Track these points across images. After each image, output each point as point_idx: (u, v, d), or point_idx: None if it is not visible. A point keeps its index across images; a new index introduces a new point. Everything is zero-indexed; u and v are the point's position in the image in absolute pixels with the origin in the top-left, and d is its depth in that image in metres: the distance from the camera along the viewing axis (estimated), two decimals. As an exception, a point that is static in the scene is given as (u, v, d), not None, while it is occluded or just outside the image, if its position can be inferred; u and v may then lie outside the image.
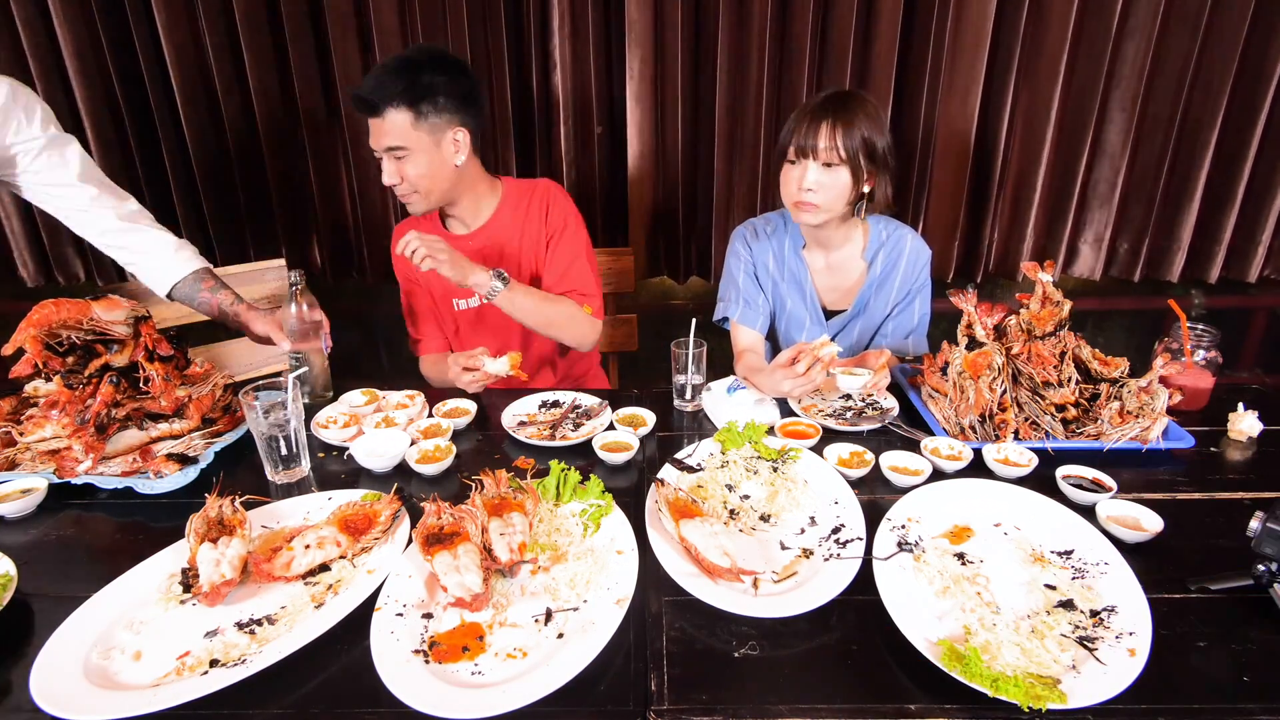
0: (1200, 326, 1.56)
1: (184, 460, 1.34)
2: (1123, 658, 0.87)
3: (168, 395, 1.38)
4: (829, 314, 1.86)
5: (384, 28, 2.14)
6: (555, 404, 1.61)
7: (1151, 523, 1.11)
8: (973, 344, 1.46)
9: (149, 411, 1.38)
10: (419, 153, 1.64)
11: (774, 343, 1.95)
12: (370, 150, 1.67)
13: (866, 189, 1.64)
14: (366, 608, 0.97)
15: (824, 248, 1.81)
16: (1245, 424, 1.43)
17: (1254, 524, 0.98)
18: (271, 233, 2.41)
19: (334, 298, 2.37)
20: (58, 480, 1.28)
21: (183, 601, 1.00)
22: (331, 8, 2.11)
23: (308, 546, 1.06)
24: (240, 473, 1.37)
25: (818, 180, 1.59)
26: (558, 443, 1.42)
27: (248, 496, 1.16)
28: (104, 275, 2.40)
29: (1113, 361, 1.44)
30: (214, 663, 0.89)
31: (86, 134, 2.18)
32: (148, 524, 1.21)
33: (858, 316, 1.85)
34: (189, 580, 1.01)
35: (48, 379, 1.35)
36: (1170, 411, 1.39)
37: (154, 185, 2.30)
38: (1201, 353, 1.56)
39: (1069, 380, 1.40)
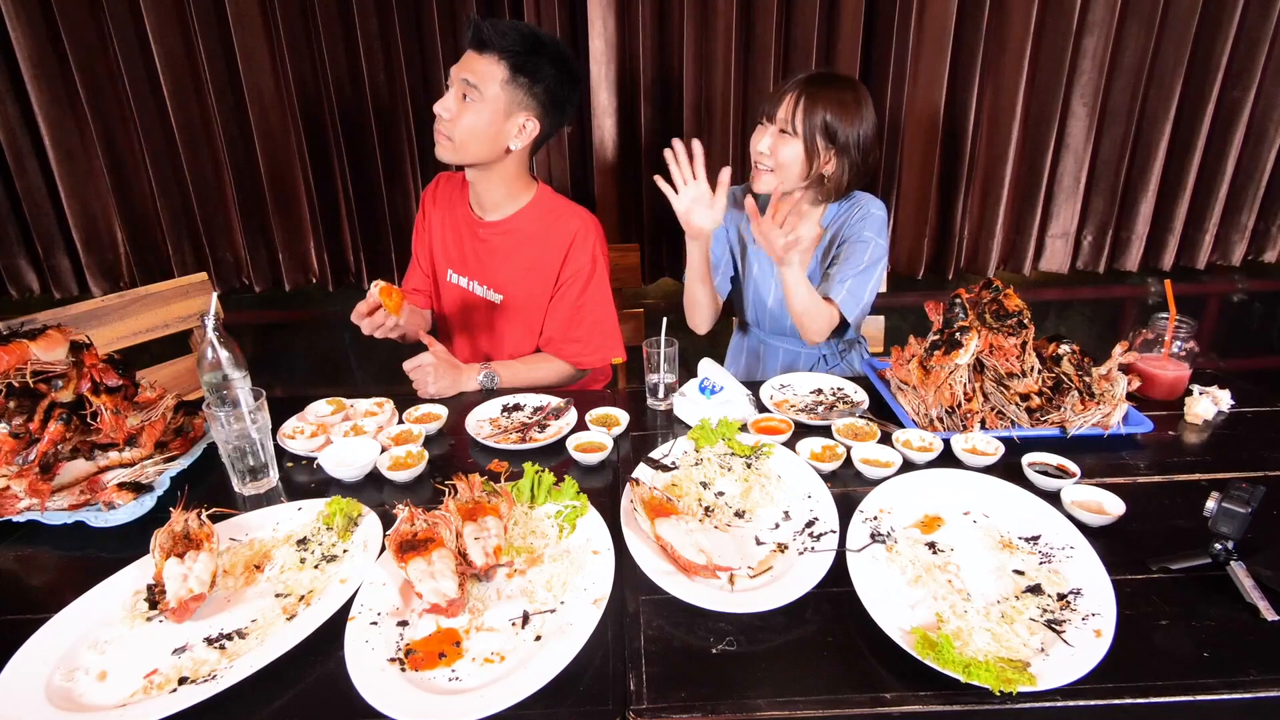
0: (1180, 318, 1.57)
1: (138, 489, 1.25)
2: (1089, 639, 0.89)
3: (119, 430, 1.29)
4: None
5: (368, 30, 2.13)
6: (517, 407, 1.60)
7: (1114, 506, 1.14)
8: (936, 345, 1.47)
9: (96, 443, 1.30)
10: (487, 108, 1.62)
11: (740, 304, 2.01)
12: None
13: (826, 171, 1.69)
14: (340, 617, 0.95)
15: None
16: (1200, 407, 1.47)
17: (1210, 504, 1.02)
18: (268, 240, 2.37)
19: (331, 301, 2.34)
20: None
21: (149, 618, 0.98)
22: (323, 10, 2.09)
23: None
24: (199, 496, 1.29)
25: (771, 146, 1.67)
26: (522, 446, 1.41)
27: (214, 509, 1.13)
28: (60, 287, 2.34)
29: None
30: (183, 680, 0.87)
31: (44, 141, 2.13)
32: (100, 555, 1.14)
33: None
34: (155, 596, 0.99)
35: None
36: (1143, 399, 1.41)
37: (134, 191, 2.26)
38: (1179, 343, 1.58)
39: (1031, 370, 1.43)
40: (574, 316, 1.82)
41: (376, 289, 1.55)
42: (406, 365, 1.63)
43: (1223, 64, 2.16)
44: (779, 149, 1.66)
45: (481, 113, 1.62)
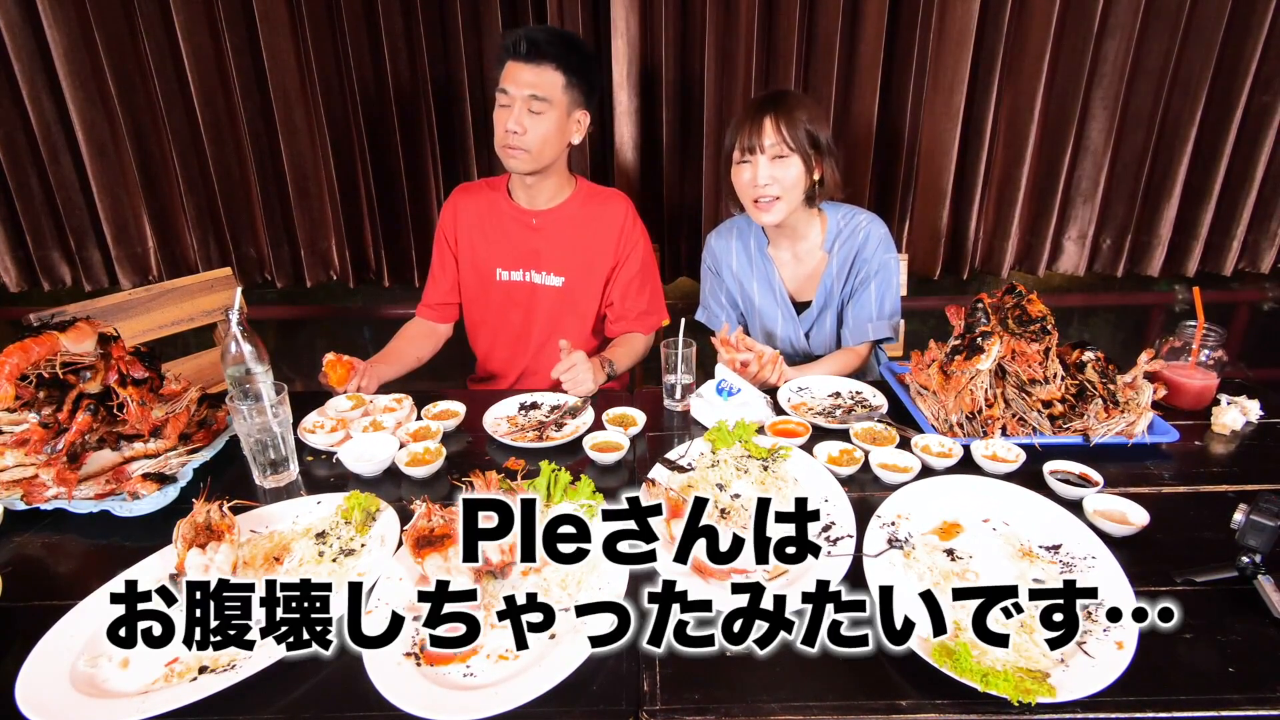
0: (1208, 325, 1.54)
1: (162, 479, 1.28)
2: (1110, 651, 0.87)
3: (144, 421, 1.31)
4: (799, 307, 1.91)
5: (392, 30, 2.14)
6: (534, 405, 1.61)
7: (1138, 516, 1.12)
8: (957, 350, 1.46)
9: (122, 433, 1.32)
10: (555, 114, 1.71)
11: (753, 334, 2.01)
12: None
13: (816, 176, 1.72)
14: (357, 611, 0.96)
15: (789, 239, 1.86)
16: (1228, 417, 1.44)
17: (1238, 516, 1.00)
18: (291, 237, 2.40)
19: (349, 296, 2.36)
20: (24, 507, 1.21)
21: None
22: (348, 10, 2.11)
23: None
24: (221, 488, 1.31)
25: (771, 175, 1.66)
26: (538, 444, 1.42)
27: (236, 501, 1.15)
28: (91, 280, 2.38)
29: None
30: (203, 669, 0.88)
31: (77, 137, 2.17)
32: (124, 544, 1.17)
33: (826, 309, 1.88)
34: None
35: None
36: (1169, 408, 1.39)
37: (162, 187, 2.30)
38: (1207, 352, 1.54)
39: (1054, 377, 1.41)
40: (641, 286, 1.95)
41: (325, 362, 1.59)
42: (558, 370, 1.62)
43: (1252, 69, 2.11)
44: (780, 174, 1.66)
45: (552, 121, 1.71)
